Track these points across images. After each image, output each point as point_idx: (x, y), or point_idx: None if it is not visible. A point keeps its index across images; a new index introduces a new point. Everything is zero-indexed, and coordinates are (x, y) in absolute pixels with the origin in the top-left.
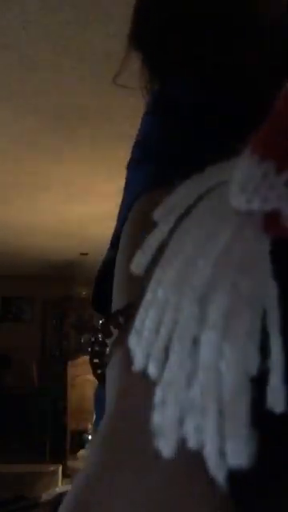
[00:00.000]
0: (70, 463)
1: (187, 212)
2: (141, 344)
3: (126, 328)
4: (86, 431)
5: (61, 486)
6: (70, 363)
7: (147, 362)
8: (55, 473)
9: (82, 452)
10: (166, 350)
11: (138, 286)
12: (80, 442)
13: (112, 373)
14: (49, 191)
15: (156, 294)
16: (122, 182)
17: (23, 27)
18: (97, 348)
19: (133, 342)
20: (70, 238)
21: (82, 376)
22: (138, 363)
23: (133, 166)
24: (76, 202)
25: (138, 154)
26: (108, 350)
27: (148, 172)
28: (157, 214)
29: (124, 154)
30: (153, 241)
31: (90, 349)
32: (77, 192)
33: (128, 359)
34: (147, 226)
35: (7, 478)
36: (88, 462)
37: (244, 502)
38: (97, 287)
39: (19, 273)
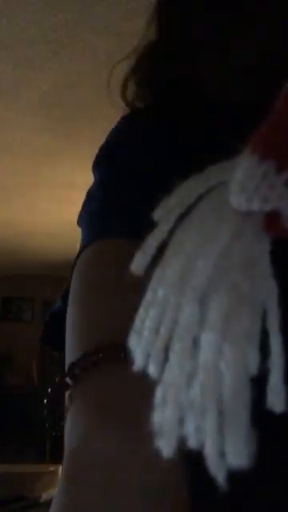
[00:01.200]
0: None
1: (187, 212)
2: (141, 344)
3: (78, 382)
4: None
5: None
6: None
7: (147, 362)
8: (55, 473)
9: None
10: (166, 350)
11: (93, 334)
12: None
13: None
14: (49, 191)
15: (156, 293)
16: None
17: (23, 27)
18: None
19: (133, 342)
20: (70, 238)
21: None
22: (137, 363)
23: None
24: (76, 203)
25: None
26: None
27: (92, 225)
28: (157, 214)
29: None
30: (153, 241)
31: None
32: (77, 192)
33: (75, 416)
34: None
35: (7, 478)
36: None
37: (244, 502)
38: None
39: (19, 273)
